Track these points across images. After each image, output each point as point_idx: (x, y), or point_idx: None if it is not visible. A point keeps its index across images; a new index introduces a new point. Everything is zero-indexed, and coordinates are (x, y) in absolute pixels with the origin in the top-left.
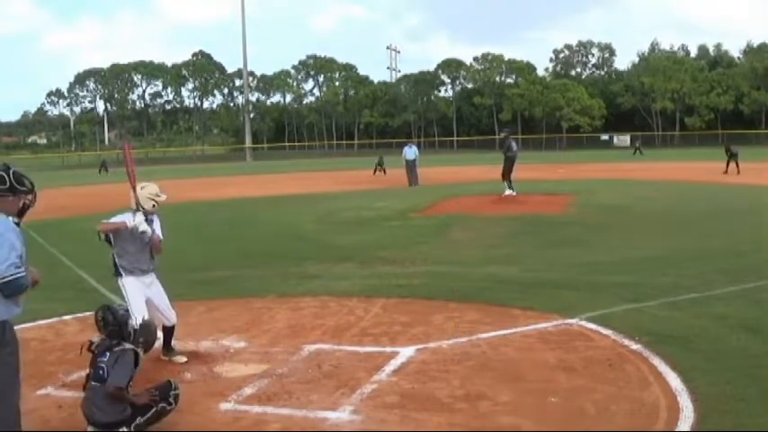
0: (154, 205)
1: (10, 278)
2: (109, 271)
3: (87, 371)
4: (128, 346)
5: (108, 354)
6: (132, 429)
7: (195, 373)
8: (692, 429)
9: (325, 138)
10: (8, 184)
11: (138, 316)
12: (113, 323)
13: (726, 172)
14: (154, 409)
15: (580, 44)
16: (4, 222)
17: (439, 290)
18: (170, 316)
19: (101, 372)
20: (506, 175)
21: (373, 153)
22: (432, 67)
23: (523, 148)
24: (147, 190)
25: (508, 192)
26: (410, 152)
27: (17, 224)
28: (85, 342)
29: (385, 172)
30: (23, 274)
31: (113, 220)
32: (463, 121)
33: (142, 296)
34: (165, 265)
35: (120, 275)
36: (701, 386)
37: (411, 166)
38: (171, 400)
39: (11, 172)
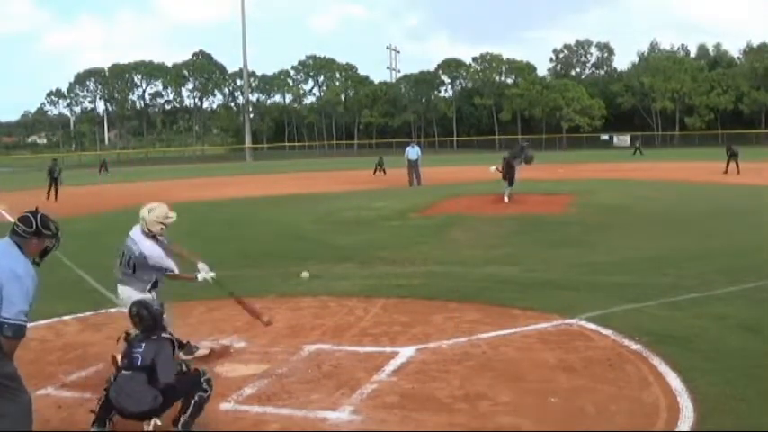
0: (162, 228)
1: (16, 323)
2: (108, 271)
3: (116, 361)
4: (164, 335)
5: (144, 344)
6: (180, 429)
7: None
8: (691, 429)
9: (325, 138)
10: (34, 227)
11: None
12: (148, 317)
13: (726, 172)
14: (193, 402)
15: (578, 44)
16: (25, 265)
17: (439, 290)
18: None
19: (135, 361)
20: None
21: (373, 153)
22: (432, 67)
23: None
24: (156, 213)
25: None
26: (413, 152)
27: (36, 263)
28: (122, 334)
29: (385, 172)
30: (26, 324)
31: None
32: (463, 122)
33: None
34: None
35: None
36: (701, 386)
37: (414, 166)
38: (205, 386)
39: (38, 216)
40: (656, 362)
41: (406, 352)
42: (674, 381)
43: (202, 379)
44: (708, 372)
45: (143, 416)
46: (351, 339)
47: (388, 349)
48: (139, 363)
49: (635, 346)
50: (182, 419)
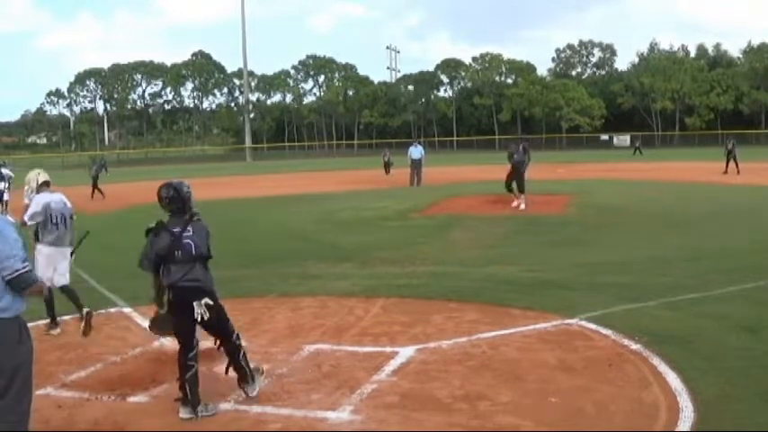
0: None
1: (21, 272)
2: (107, 271)
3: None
4: (200, 215)
5: (190, 228)
6: (198, 414)
7: None
8: (691, 429)
9: (325, 138)
10: None
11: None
12: (177, 198)
13: (725, 172)
14: (187, 386)
15: (582, 44)
16: (1, 219)
17: (439, 290)
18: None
19: (189, 248)
20: (509, 182)
21: (373, 153)
22: (432, 68)
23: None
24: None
25: (515, 203)
26: (416, 151)
27: None
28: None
29: (389, 171)
30: (30, 267)
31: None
32: (463, 121)
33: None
34: None
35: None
36: (700, 386)
37: (416, 165)
38: (192, 363)
39: None
40: (656, 362)
41: (405, 352)
42: (674, 381)
43: (189, 354)
44: (708, 372)
45: (213, 294)
46: (351, 339)
47: (388, 349)
48: (195, 251)
49: (635, 346)
50: (198, 408)
